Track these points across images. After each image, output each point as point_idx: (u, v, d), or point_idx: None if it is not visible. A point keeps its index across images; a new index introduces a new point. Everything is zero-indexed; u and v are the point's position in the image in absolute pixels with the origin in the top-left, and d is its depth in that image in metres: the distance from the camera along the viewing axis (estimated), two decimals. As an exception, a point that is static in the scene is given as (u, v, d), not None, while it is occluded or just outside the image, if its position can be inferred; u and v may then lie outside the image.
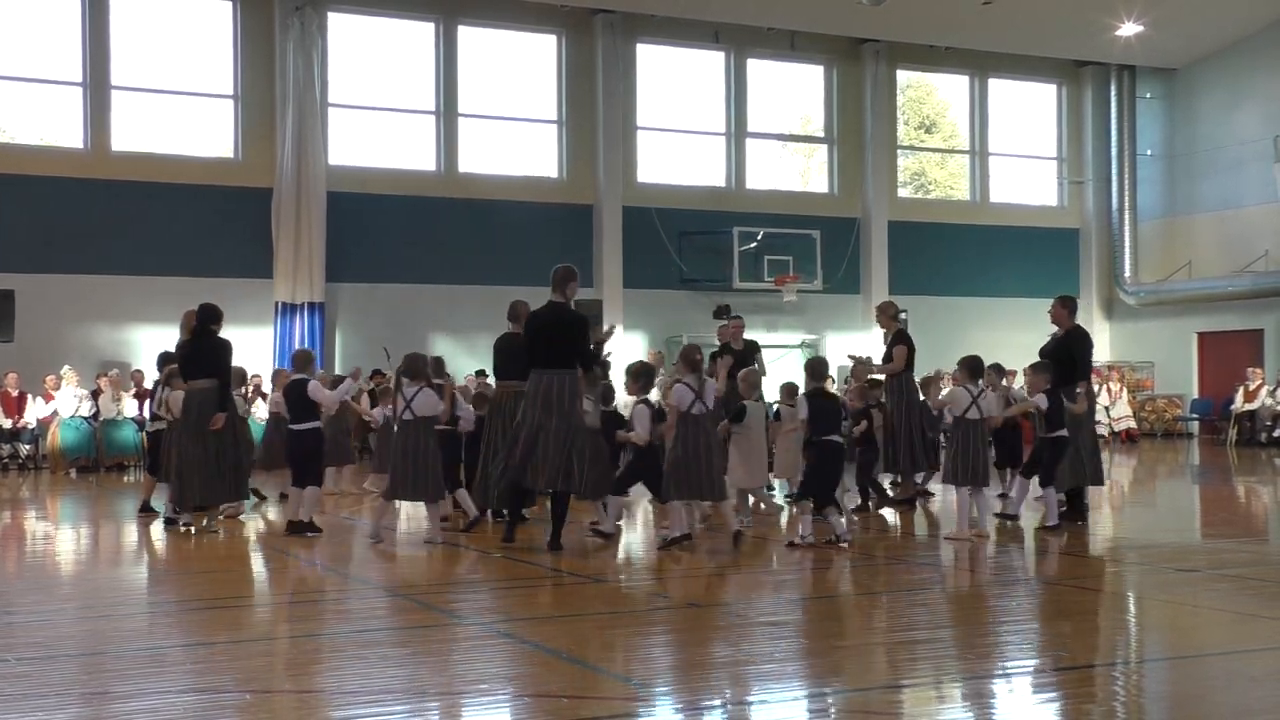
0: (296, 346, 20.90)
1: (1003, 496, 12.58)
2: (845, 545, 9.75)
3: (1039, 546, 10.15)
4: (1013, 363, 17.83)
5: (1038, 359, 11.50)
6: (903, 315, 14.20)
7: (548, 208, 23.27)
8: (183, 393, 11.45)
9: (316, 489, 11.04)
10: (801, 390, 10.44)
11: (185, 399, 11.36)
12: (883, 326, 13.60)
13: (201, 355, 11.38)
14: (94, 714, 5.27)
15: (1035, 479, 11.28)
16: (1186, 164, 26.92)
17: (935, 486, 13.69)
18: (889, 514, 12.56)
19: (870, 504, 12.67)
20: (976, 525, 10.52)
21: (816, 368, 10.35)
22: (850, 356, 14.00)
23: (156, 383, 12.67)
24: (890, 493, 13.31)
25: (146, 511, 12.33)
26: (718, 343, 13.95)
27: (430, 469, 10.21)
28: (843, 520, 10.02)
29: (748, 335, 14.09)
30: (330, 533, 11.01)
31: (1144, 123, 27.64)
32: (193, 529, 11.23)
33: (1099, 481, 12.02)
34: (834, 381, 15.08)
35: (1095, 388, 16.74)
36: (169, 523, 11.50)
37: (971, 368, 10.88)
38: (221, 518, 11.83)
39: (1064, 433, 11.02)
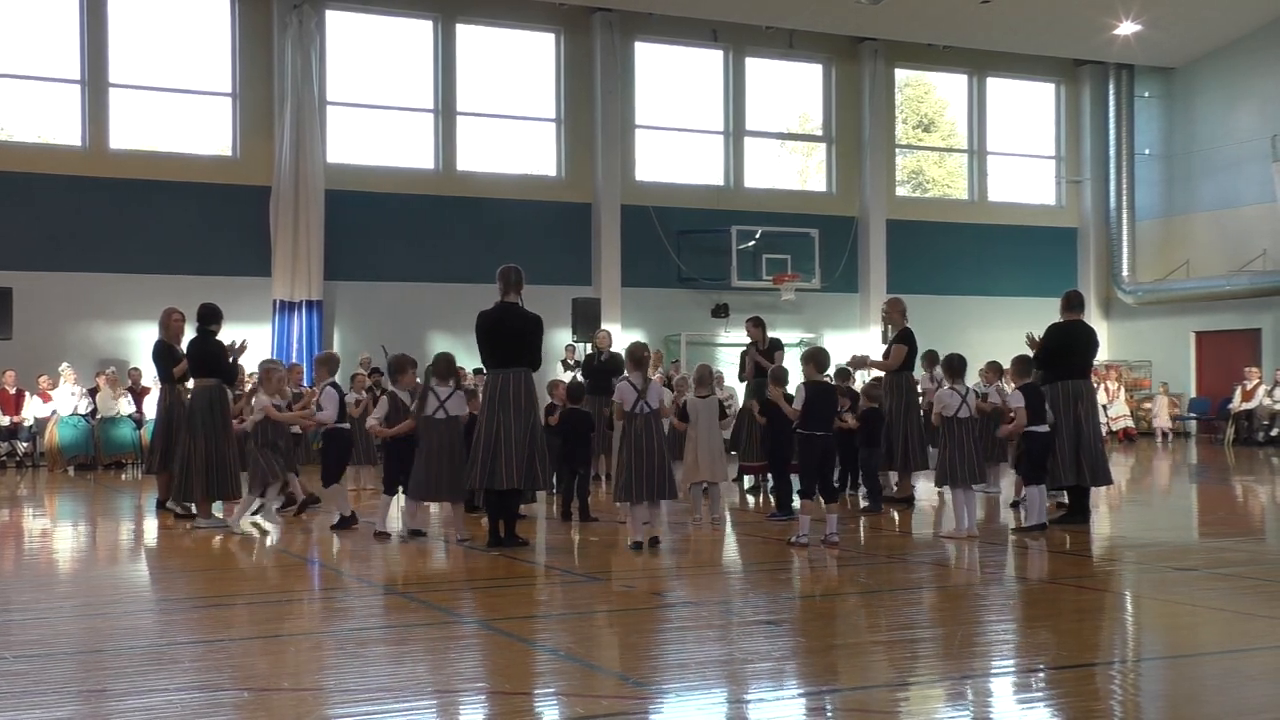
0: (295, 345, 20.95)
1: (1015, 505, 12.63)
2: (834, 543, 9.79)
3: (1036, 546, 10.15)
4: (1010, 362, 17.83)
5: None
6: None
7: (546, 206, 23.28)
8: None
9: (338, 486, 11.24)
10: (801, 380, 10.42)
11: (191, 398, 11.64)
12: (890, 323, 13.62)
13: (203, 355, 11.53)
14: (92, 711, 5.27)
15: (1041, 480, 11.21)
16: (1184, 163, 26.94)
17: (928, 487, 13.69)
18: (888, 513, 12.56)
19: (880, 504, 12.61)
20: (968, 526, 10.51)
21: (818, 358, 10.30)
22: (854, 356, 14.03)
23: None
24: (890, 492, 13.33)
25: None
26: (749, 340, 14.16)
27: (459, 468, 10.23)
28: (835, 517, 10.02)
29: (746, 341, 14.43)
30: (329, 531, 11.03)
31: (1142, 122, 27.65)
32: (191, 522, 11.39)
33: (1098, 482, 11.74)
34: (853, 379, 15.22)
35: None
36: (161, 506, 11.97)
37: (953, 367, 10.87)
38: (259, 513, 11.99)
39: (1037, 429, 10.93)
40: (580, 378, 14.90)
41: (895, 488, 13.37)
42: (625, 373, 10.28)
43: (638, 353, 10.06)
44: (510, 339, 9.81)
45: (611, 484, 12.05)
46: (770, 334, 14.35)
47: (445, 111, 22.96)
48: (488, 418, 9.71)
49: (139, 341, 19.77)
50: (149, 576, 9.41)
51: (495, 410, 9.66)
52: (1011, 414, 11.19)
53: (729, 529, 11.49)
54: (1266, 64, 25.26)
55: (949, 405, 10.59)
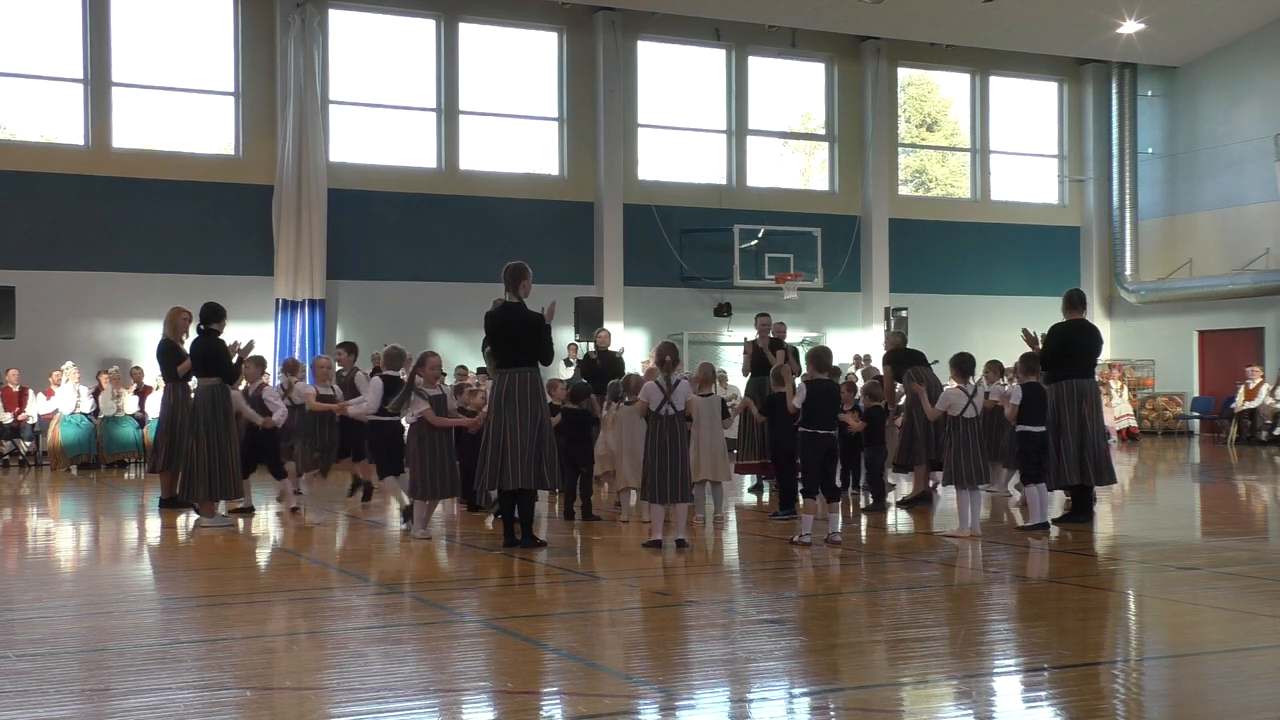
0: (297, 343, 20.96)
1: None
2: (836, 541, 9.80)
3: (1039, 545, 10.14)
4: (1013, 361, 17.83)
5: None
6: (903, 312, 14.23)
7: (548, 205, 23.29)
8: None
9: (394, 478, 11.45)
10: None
11: (194, 397, 11.72)
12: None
13: (206, 354, 11.55)
14: (95, 710, 5.27)
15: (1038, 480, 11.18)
16: (1187, 162, 26.92)
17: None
18: (891, 513, 12.56)
19: (884, 503, 12.60)
20: (971, 525, 10.50)
21: (820, 357, 10.30)
22: (855, 357, 14.06)
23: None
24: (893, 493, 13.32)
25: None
26: (757, 335, 14.19)
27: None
28: (837, 516, 10.02)
29: (751, 335, 14.47)
30: (332, 529, 11.02)
31: (1145, 120, 27.64)
32: (195, 520, 11.42)
33: (1102, 481, 11.61)
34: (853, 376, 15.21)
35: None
36: (164, 504, 12.22)
37: (962, 366, 10.85)
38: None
39: (1034, 428, 10.88)
40: (581, 377, 14.89)
41: (900, 487, 13.35)
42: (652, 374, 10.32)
43: (663, 354, 10.03)
44: (510, 338, 9.79)
45: (614, 483, 12.08)
46: (773, 335, 14.30)
47: (448, 110, 22.96)
48: (495, 417, 9.65)
49: (142, 340, 19.80)
50: (152, 575, 9.41)
51: (502, 410, 9.61)
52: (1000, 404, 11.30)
53: (731, 528, 11.48)
54: (1269, 62, 25.24)
55: (956, 404, 10.58)
